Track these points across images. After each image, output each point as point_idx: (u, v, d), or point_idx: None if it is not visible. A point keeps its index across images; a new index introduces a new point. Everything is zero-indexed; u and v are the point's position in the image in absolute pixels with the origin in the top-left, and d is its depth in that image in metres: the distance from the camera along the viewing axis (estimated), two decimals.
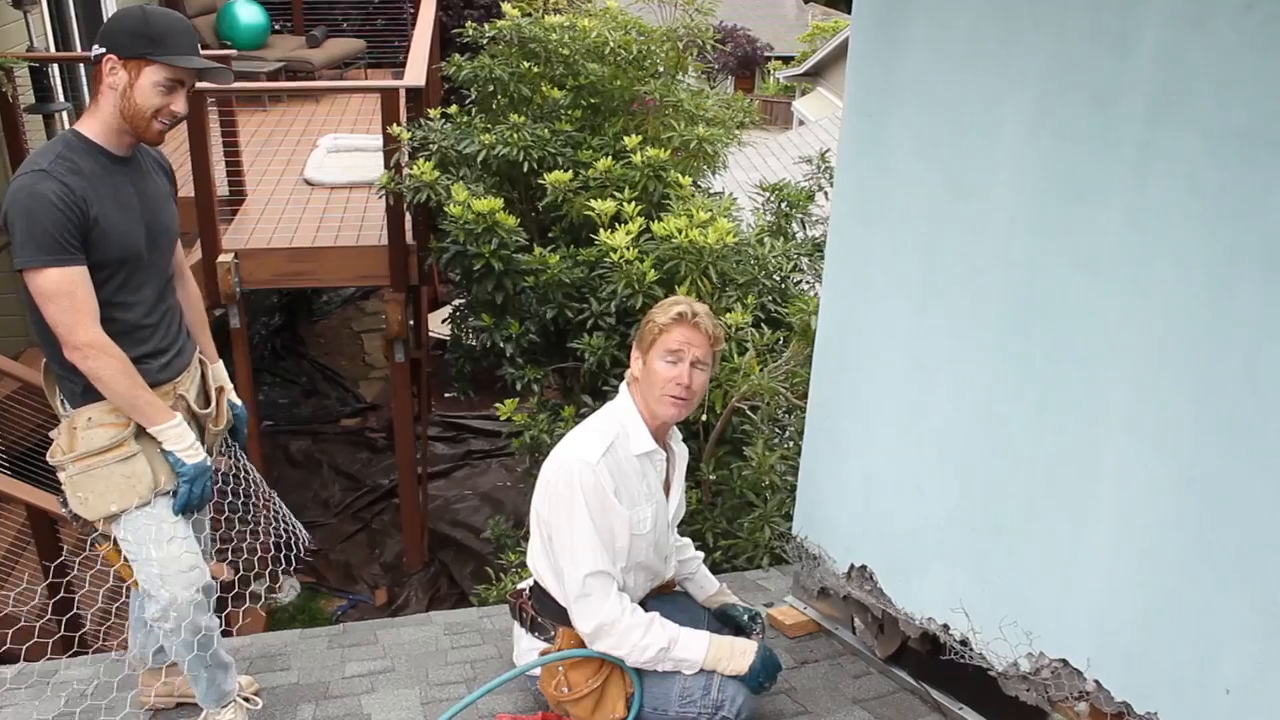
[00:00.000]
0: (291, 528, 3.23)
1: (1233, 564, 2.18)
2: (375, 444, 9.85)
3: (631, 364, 2.80)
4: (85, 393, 2.49)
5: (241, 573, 3.10)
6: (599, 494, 2.61)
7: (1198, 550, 2.25)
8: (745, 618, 3.02)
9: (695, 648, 2.68)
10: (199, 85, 6.72)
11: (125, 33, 2.44)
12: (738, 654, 2.71)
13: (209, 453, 2.73)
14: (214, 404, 2.81)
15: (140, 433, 2.52)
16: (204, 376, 2.82)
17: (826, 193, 6.06)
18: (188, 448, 2.54)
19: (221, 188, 7.19)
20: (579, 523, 2.60)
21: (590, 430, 2.74)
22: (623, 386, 2.82)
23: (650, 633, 2.64)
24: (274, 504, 3.17)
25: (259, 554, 3.19)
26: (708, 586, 3.16)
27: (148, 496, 2.52)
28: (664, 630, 2.67)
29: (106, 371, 2.41)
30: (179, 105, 2.47)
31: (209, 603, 2.63)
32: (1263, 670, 2.16)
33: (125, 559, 2.61)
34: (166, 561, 2.53)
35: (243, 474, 3.04)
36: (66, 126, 8.08)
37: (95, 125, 2.48)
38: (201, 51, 2.55)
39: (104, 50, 2.43)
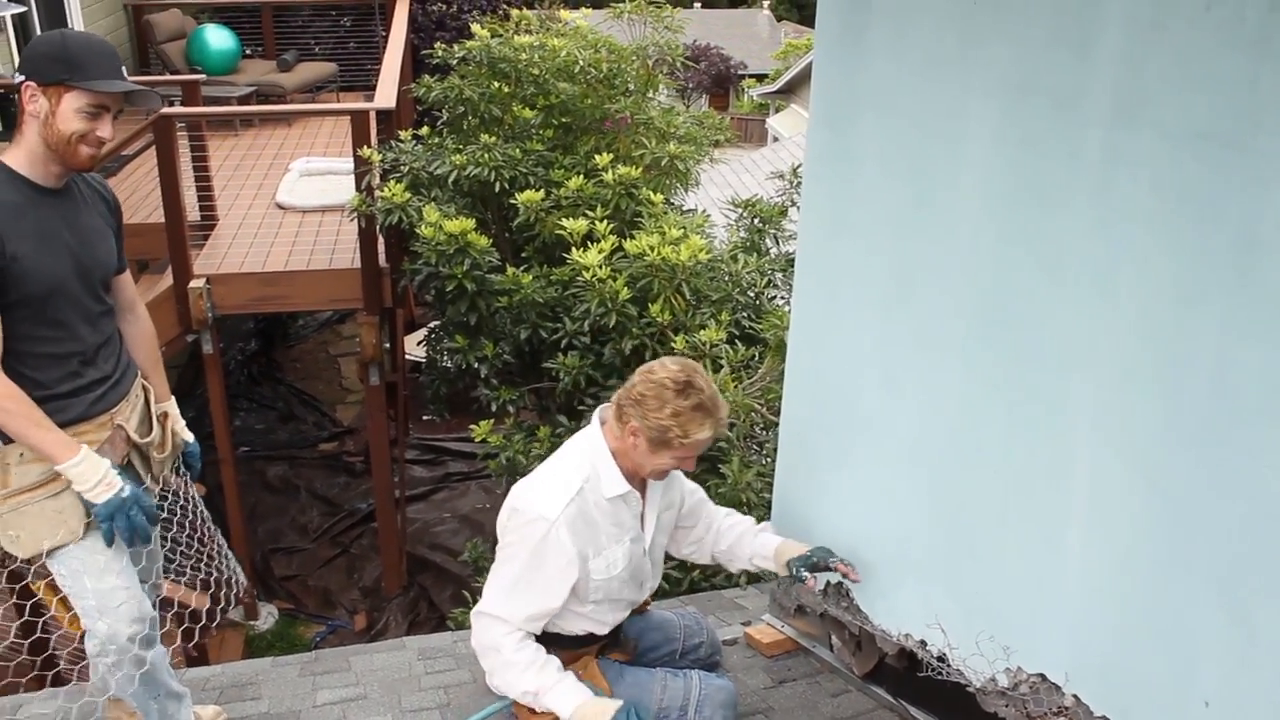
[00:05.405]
0: (230, 567, 3.16)
1: (1206, 573, 2.15)
2: (353, 468, 9.78)
3: (624, 421, 2.59)
4: None
5: (220, 602, 3.03)
6: (542, 552, 2.54)
7: (1170, 560, 2.22)
8: (814, 559, 2.84)
9: (565, 703, 2.53)
10: (166, 111, 6.71)
11: (43, 58, 2.35)
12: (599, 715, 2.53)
13: (156, 479, 2.66)
14: (157, 429, 2.72)
15: None
16: (147, 403, 2.74)
17: (799, 207, 6.05)
18: (93, 486, 2.41)
19: (193, 213, 7.16)
20: (508, 570, 2.58)
21: (560, 472, 2.64)
22: (595, 422, 2.68)
23: (524, 676, 2.55)
24: (215, 540, 3.10)
25: (215, 575, 3.11)
26: (763, 550, 2.94)
27: (79, 531, 2.44)
28: (538, 677, 2.55)
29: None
30: (104, 130, 2.38)
31: (152, 635, 2.54)
32: (1240, 681, 2.12)
33: (60, 597, 2.53)
34: (103, 594, 2.45)
35: (189, 504, 2.96)
36: None
37: (20, 155, 2.39)
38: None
39: (24, 77, 2.34)
